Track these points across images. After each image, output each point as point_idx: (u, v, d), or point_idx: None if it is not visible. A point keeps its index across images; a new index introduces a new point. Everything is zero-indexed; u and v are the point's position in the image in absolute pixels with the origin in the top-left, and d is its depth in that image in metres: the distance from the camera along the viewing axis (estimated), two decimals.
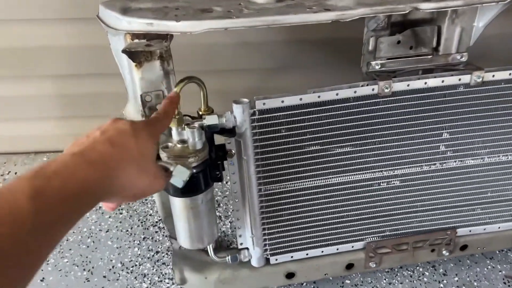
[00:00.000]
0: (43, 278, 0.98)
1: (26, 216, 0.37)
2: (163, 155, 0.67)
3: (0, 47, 1.12)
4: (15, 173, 1.25)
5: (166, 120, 0.59)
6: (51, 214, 0.39)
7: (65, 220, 0.41)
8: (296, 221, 0.83)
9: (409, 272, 0.99)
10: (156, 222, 1.10)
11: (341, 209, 0.83)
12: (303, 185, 0.80)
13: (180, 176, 0.60)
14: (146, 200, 1.16)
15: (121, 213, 1.12)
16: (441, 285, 0.96)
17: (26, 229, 0.36)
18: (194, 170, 0.65)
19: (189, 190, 0.69)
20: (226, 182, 1.24)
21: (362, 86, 0.73)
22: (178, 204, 0.72)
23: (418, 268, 0.99)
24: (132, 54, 0.65)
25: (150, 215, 1.12)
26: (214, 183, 0.73)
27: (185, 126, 0.69)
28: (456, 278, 0.97)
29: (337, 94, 0.72)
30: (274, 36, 1.04)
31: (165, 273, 0.98)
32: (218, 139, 0.74)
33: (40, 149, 1.29)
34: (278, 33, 1.03)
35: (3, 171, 1.25)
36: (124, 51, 0.64)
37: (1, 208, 0.36)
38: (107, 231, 1.08)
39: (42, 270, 0.99)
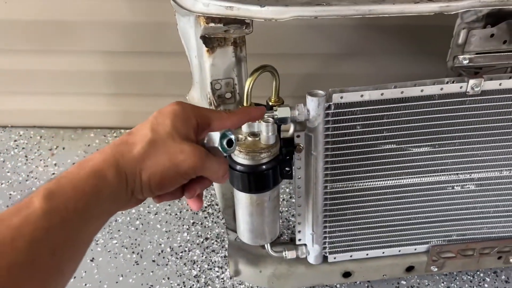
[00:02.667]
0: (93, 258, 0.97)
1: (38, 216, 0.37)
2: None
3: (55, 20, 1.09)
4: (63, 148, 1.24)
5: (226, 120, 0.51)
6: (64, 211, 0.38)
7: (81, 216, 0.39)
8: (359, 221, 0.79)
9: (468, 277, 0.94)
10: (205, 207, 1.08)
11: (410, 211, 0.79)
12: (372, 184, 0.75)
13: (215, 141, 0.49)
14: None
15: None
16: None
17: (39, 229, 0.36)
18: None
19: (258, 186, 0.66)
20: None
21: (448, 83, 0.67)
22: (243, 199, 0.68)
23: (478, 273, 0.95)
24: (207, 39, 0.61)
25: None
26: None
27: None
28: None
29: (422, 91, 0.66)
30: (342, 20, 0.97)
31: (215, 261, 0.96)
32: None
33: (88, 125, 1.27)
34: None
35: (51, 145, 1.25)
36: (202, 37, 0.59)
37: (17, 212, 0.37)
38: (155, 214, 1.06)
39: (91, 250, 0.98)
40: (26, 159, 1.21)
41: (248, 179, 0.64)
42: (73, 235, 0.39)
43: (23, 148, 1.24)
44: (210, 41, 0.62)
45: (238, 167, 0.64)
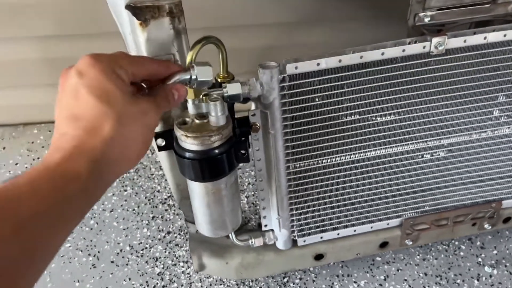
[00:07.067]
0: None
1: None
2: (179, 133, 0.57)
3: None
4: (3, 148, 1.13)
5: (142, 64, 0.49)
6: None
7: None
8: (327, 200, 0.74)
9: (444, 247, 0.91)
10: (165, 199, 1.00)
11: (379, 184, 0.74)
12: (337, 160, 0.69)
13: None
14: (152, 175, 1.06)
15: (125, 191, 1.02)
16: (479, 259, 0.89)
17: None
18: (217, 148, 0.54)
19: (211, 174, 0.59)
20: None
21: (410, 43, 0.61)
22: (197, 190, 0.62)
23: (453, 241, 0.92)
24: (136, 10, 0.53)
25: (158, 191, 1.02)
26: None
27: (204, 98, 0.57)
28: (495, 251, 0.90)
29: (382, 54, 0.61)
30: None
31: (179, 256, 0.90)
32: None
33: (30, 121, 1.17)
34: None
35: None
36: (127, 7, 0.51)
37: None
38: (111, 211, 0.98)
39: None
40: None
41: (199, 166, 0.58)
42: (30, 249, 0.34)
43: None
44: (141, 12, 0.54)
45: (187, 154, 0.57)
